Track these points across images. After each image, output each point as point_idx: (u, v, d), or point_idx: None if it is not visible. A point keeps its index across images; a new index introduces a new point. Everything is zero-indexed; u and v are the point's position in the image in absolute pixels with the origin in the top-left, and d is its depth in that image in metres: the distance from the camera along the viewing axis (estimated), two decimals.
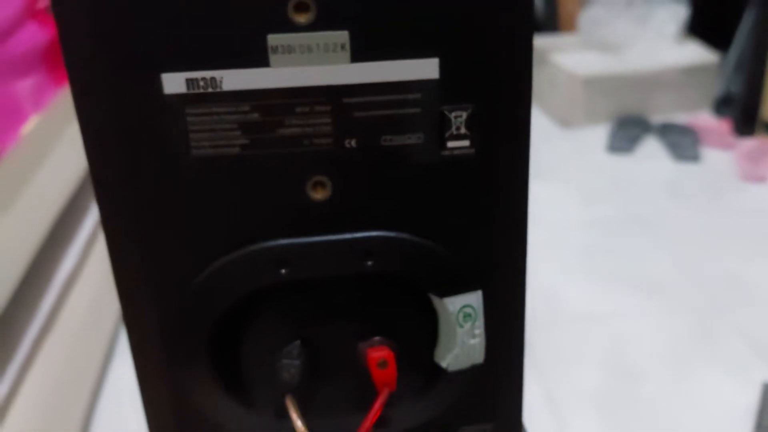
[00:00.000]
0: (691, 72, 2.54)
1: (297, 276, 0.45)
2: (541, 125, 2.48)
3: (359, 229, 0.45)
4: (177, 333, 0.46)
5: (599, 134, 2.47)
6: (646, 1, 2.62)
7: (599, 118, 2.53)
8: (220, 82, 0.40)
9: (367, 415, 0.45)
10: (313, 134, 0.42)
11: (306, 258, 0.45)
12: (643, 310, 1.66)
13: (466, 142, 0.43)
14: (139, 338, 0.46)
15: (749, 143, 2.28)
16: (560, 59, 2.55)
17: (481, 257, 0.47)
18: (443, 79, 0.42)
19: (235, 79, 0.40)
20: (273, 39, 0.40)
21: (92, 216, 1.56)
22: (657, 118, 2.53)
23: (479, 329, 0.48)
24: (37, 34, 1.39)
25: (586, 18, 2.66)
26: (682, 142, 2.36)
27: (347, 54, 0.40)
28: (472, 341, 0.48)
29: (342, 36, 0.40)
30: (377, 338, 0.48)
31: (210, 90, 0.40)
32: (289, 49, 0.40)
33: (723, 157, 2.31)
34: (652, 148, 2.39)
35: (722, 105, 2.53)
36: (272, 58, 0.40)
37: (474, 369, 0.49)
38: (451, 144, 0.43)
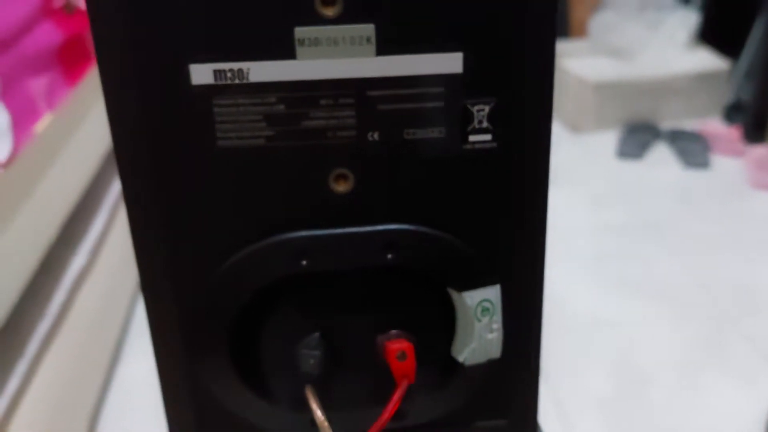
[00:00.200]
0: (702, 79, 2.54)
1: (317, 268, 0.45)
2: None
3: (380, 221, 0.45)
4: (198, 323, 0.46)
5: (609, 140, 2.47)
6: (657, 7, 2.62)
7: (609, 123, 2.53)
8: (247, 73, 0.41)
9: (385, 407, 0.45)
10: (337, 127, 0.42)
11: (326, 250, 0.45)
12: (651, 316, 1.66)
13: (488, 136, 0.44)
14: (161, 328, 0.47)
15: (759, 150, 2.27)
16: (570, 64, 2.55)
17: (501, 252, 0.47)
18: (466, 73, 0.42)
19: (261, 71, 0.41)
20: (300, 32, 0.40)
21: (103, 214, 1.57)
22: (667, 124, 2.53)
23: (497, 324, 0.48)
24: (52, 33, 1.40)
25: (597, 23, 2.67)
26: (692, 149, 2.35)
27: (373, 47, 0.41)
28: (490, 336, 0.48)
29: (368, 29, 0.40)
30: (395, 331, 0.49)
31: (237, 81, 0.41)
32: (315, 42, 0.40)
33: (733, 164, 2.31)
34: (661, 155, 2.39)
35: (732, 112, 2.53)
36: (299, 50, 0.40)
37: (491, 364, 0.49)
38: (473, 138, 0.44)
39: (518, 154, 0.45)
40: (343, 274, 0.47)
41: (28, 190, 1.22)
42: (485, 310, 0.47)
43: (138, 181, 0.43)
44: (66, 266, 1.39)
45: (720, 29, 2.66)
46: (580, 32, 2.83)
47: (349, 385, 0.50)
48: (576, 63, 2.57)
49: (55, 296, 1.31)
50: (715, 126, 2.48)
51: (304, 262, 0.45)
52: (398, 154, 0.44)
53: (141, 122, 0.41)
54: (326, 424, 0.46)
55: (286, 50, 0.40)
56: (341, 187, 0.44)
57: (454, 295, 0.47)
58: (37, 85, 1.33)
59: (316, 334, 0.48)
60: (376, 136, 0.43)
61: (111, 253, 1.52)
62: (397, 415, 0.48)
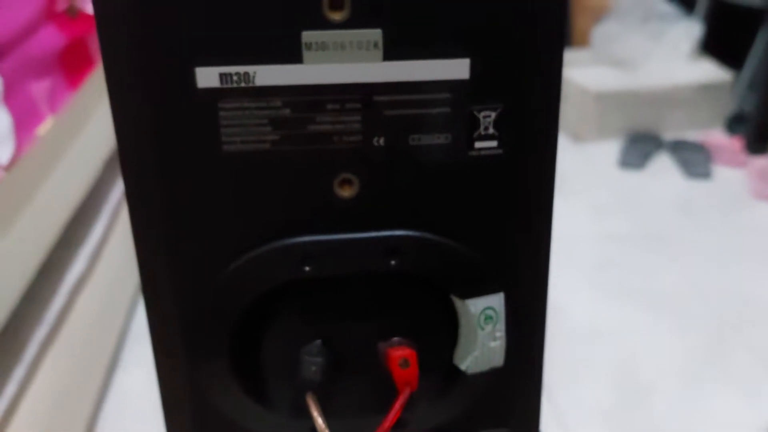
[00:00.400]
0: (704, 89, 2.54)
1: (321, 273, 0.45)
2: None
3: (384, 227, 0.45)
4: (199, 329, 0.46)
5: (611, 149, 2.47)
6: (660, 18, 2.62)
7: (611, 133, 2.52)
8: (253, 77, 0.40)
9: (387, 415, 0.45)
10: (343, 131, 0.42)
11: (330, 255, 0.45)
12: (652, 326, 1.65)
13: (494, 143, 0.43)
14: (161, 332, 0.46)
15: (761, 161, 2.27)
16: (573, 74, 2.55)
17: (505, 259, 0.47)
18: (473, 79, 0.42)
19: (267, 75, 0.40)
20: (307, 36, 0.40)
21: (104, 219, 1.57)
22: (669, 134, 2.53)
23: (500, 332, 0.47)
24: (55, 37, 1.40)
25: (600, 33, 2.67)
26: (694, 159, 2.35)
27: (380, 52, 0.40)
28: (493, 344, 0.48)
29: (375, 34, 0.40)
30: (397, 338, 0.48)
31: (243, 85, 0.40)
32: (322, 46, 0.40)
33: (735, 174, 2.31)
34: (663, 165, 2.39)
35: (735, 123, 2.53)
36: (306, 54, 0.40)
37: (493, 372, 0.49)
38: (479, 144, 0.43)
39: (524, 160, 0.44)
40: (346, 280, 0.46)
41: (29, 193, 1.21)
42: (488, 317, 0.47)
43: (142, 184, 0.42)
44: (66, 271, 1.38)
45: (723, 40, 2.66)
46: (583, 42, 2.83)
47: (351, 393, 0.50)
48: (578, 72, 2.57)
49: (54, 301, 1.31)
50: (717, 137, 2.48)
51: (308, 268, 0.45)
52: (403, 160, 0.43)
53: (145, 125, 0.41)
54: (327, 431, 0.45)
55: (292, 54, 0.40)
56: (346, 192, 0.44)
57: (457, 302, 0.47)
58: (40, 88, 1.33)
59: (318, 341, 0.48)
60: (381, 141, 0.43)
61: (111, 258, 1.51)
62: (399, 423, 0.47)
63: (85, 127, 1.48)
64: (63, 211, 1.35)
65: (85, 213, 1.51)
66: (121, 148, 0.42)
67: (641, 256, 1.91)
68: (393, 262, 0.45)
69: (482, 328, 0.47)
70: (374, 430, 0.45)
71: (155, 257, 0.44)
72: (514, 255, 0.47)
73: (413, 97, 0.42)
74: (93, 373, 1.42)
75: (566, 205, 2.08)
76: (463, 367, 0.48)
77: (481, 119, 0.43)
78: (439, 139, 0.43)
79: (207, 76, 0.40)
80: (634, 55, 2.58)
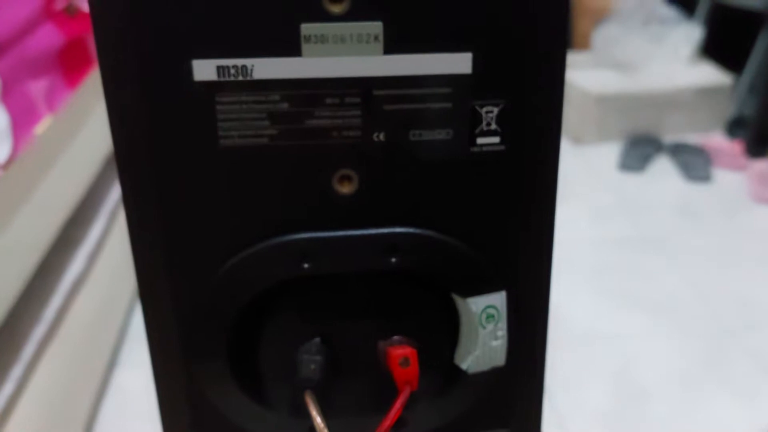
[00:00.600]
0: (705, 93, 2.54)
1: (319, 270, 0.44)
2: None
3: (384, 224, 0.44)
4: (196, 326, 0.45)
5: (611, 152, 2.46)
6: (660, 21, 2.62)
7: (611, 136, 2.52)
8: (251, 70, 0.40)
9: (387, 415, 0.44)
10: (342, 126, 0.41)
11: (329, 252, 0.44)
12: (652, 330, 1.65)
13: (496, 139, 0.43)
14: (157, 331, 0.46)
15: (761, 165, 2.27)
16: (573, 76, 2.55)
17: (507, 257, 0.46)
18: (475, 74, 0.41)
19: (266, 68, 0.40)
20: (306, 28, 0.39)
21: (102, 219, 1.56)
22: (669, 137, 2.53)
23: (502, 331, 0.47)
24: (53, 36, 1.40)
25: (601, 36, 2.67)
26: (694, 163, 2.35)
27: (380, 45, 0.40)
28: (494, 343, 0.47)
29: (376, 27, 0.39)
30: (397, 337, 0.48)
31: (240, 78, 0.40)
32: (322, 39, 0.39)
33: (734, 178, 2.30)
34: (663, 168, 2.38)
35: (735, 126, 2.53)
36: (305, 47, 0.39)
37: (494, 372, 0.48)
38: (480, 140, 0.43)
39: (527, 157, 0.44)
40: (345, 278, 0.46)
41: (27, 192, 1.21)
42: (490, 316, 0.46)
43: (137, 179, 0.42)
44: (63, 271, 1.38)
45: (723, 44, 2.66)
46: (584, 45, 2.83)
47: (350, 392, 0.49)
48: (579, 75, 2.57)
49: (51, 301, 1.30)
50: (717, 140, 2.48)
51: (306, 265, 0.44)
52: (404, 156, 0.43)
53: (141, 119, 0.40)
54: (326, 431, 0.44)
55: (291, 47, 0.40)
56: (345, 189, 0.43)
57: (458, 300, 0.46)
58: (38, 87, 1.32)
59: (317, 340, 0.47)
60: (381, 136, 0.42)
61: (109, 258, 1.51)
62: (399, 423, 0.47)
63: (84, 126, 1.47)
64: (61, 210, 1.35)
65: (83, 213, 1.50)
66: (116, 143, 0.41)
67: (641, 260, 1.91)
68: (393, 260, 0.44)
69: (483, 327, 0.46)
70: (374, 430, 0.45)
71: (151, 254, 0.43)
72: (516, 253, 0.46)
73: (414, 91, 0.41)
74: (91, 372, 1.42)
75: (566, 208, 2.07)
76: (464, 366, 0.47)
77: (483, 115, 0.42)
78: (441, 134, 0.42)
79: (204, 69, 0.39)
80: (635, 58, 2.58)
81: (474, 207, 0.44)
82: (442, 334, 0.48)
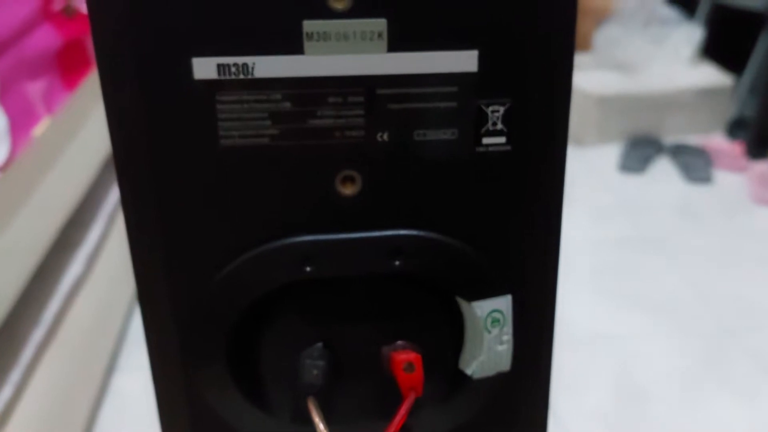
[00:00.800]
0: (705, 94, 2.53)
1: (322, 274, 0.43)
2: None
3: (388, 226, 0.43)
4: (195, 331, 0.44)
5: (612, 153, 2.46)
6: (661, 22, 2.61)
7: (612, 137, 2.51)
8: (252, 68, 0.39)
9: (391, 421, 0.43)
10: (345, 126, 0.41)
11: (332, 255, 0.43)
12: (652, 331, 1.64)
13: (502, 139, 0.42)
14: (157, 335, 0.45)
15: (762, 166, 2.26)
16: (574, 78, 2.54)
17: (513, 260, 0.45)
18: (481, 72, 0.40)
19: (267, 66, 0.39)
20: (309, 25, 0.38)
21: (101, 221, 1.55)
22: (670, 139, 2.52)
23: (507, 335, 0.46)
24: (51, 37, 1.39)
25: (602, 37, 2.66)
26: (695, 164, 2.34)
27: (384, 43, 0.39)
28: (500, 348, 0.46)
29: (379, 24, 0.39)
30: (401, 342, 0.47)
31: (241, 76, 0.39)
32: (324, 37, 0.38)
33: (735, 179, 2.30)
34: (664, 169, 2.37)
35: (735, 127, 2.52)
36: (307, 45, 0.39)
37: (500, 377, 0.47)
38: (486, 140, 0.42)
39: (533, 157, 0.43)
40: (348, 281, 0.45)
41: (25, 195, 1.20)
42: (495, 321, 0.45)
43: (135, 180, 0.41)
44: (62, 274, 1.37)
45: (724, 45, 2.65)
46: (585, 46, 2.82)
47: (353, 397, 0.48)
48: (580, 76, 2.56)
49: (50, 304, 1.29)
50: (717, 141, 2.47)
51: (309, 268, 0.43)
52: (408, 156, 0.42)
53: (140, 118, 0.39)
54: None
55: (293, 45, 0.39)
56: (348, 190, 0.42)
57: (463, 304, 0.45)
58: (36, 88, 1.31)
59: (319, 345, 0.46)
60: (385, 136, 0.41)
61: (108, 261, 1.50)
62: (403, 430, 0.46)
63: (82, 128, 1.46)
64: (60, 213, 1.34)
65: (82, 215, 1.49)
66: (115, 143, 0.40)
67: (641, 260, 1.90)
68: (397, 263, 0.43)
69: (489, 332, 0.45)
70: None
71: (150, 257, 0.43)
72: (522, 256, 0.45)
73: (419, 90, 0.40)
74: (90, 376, 1.41)
75: (566, 209, 2.06)
76: (468, 371, 0.47)
77: (489, 114, 0.41)
78: (446, 134, 0.42)
79: (204, 67, 0.39)
80: (636, 59, 2.57)
81: (479, 208, 0.44)
82: (447, 338, 0.47)
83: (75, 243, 1.45)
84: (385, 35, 0.39)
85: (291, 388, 0.47)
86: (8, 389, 1.11)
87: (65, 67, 1.42)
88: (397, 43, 0.39)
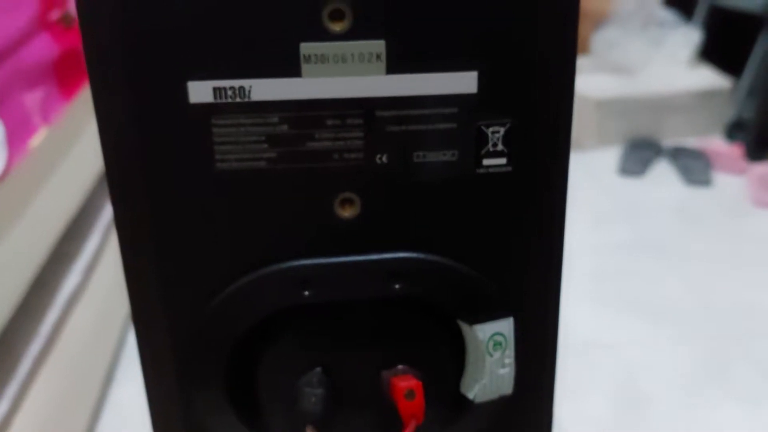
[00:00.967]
0: (704, 96, 2.53)
1: (321, 298, 0.43)
2: None
3: (388, 249, 0.43)
4: (192, 356, 0.43)
5: (611, 156, 2.45)
6: (659, 24, 2.61)
7: (611, 140, 2.51)
8: (249, 91, 0.38)
9: None
10: (344, 148, 0.40)
11: (331, 279, 0.42)
12: (653, 336, 1.63)
13: (502, 160, 0.41)
14: (152, 360, 0.44)
15: (761, 168, 2.25)
16: None
17: (515, 282, 0.44)
18: (481, 93, 0.40)
19: (264, 89, 0.38)
20: (306, 48, 0.38)
21: (98, 231, 1.54)
22: (669, 141, 2.52)
23: (509, 359, 0.45)
24: (48, 46, 1.38)
25: (599, 40, 2.65)
26: (694, 167, 2.33)
27: (383, 65, 0.38)
28: (502, 371, 0.45)
29: (378, 46, 0.38)
30: (401, 367, 0.46)
31: (238, 100, 0.38)
32: (322, 59, 0.38)
33: (735, 182, 2.29)
34: (663, 172, 2.37)
35: (734, 130, 2.51)
36: (304, 67, 0.38)
37: (502, 401, 0.47)
38: (487, 161, 0.41)
39: (534, 178, 0.42)
40: (348, 305, 0.44)
41: (22, 205, 1.19)
42: (497, 344, 0.45)
43: (130, 205, 0.40)
44: (59, 285, 1.36)
45: (722, 47, 2.65)
46: (583, 49, 2.82)
47: (353, 424, 0.48)
48: (578, 79, 2.55)
49: (48, 315, 1.29)
50: (716, 144, 2.47)
51: (307, 293, 0.42)
52: (408, 178, 0.41)
53: (134, 143, 0.39)
54: None
55: (290, 67, 0.38)
56: (347, 213, 0.42)
57: (464, 328, 0.45)
58: (33, 98, 1.31)
59: (318, 370, 0.45)
60: (384, 158, 0.41)
61: (105, 271, 1.49)
62: None
63: (79, 138, 1.46)
64: (57, 224, 1.33)
65: (79, 226, 1.49)
66: (109, 167, 0.39)
67: (641, 265, 1.89)
68: (397, 286, 0.43)
69: (491, 355, 0.45)
70: None
71: (146, 282, 0.42)
72: (525, 278, 0.44)
73: (418, 112, 0.40)
74: (88, 388, 1.40)
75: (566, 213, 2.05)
76: (470, 395, 0.46)
77: (490, 135, 0.41)
78: (446, 156, 0.41)
79: (200, 91, 0.38)
80: (634, 62, 2.57)
81: (480, 230, 0.43)
82: (448, 361, 0.46)
83: (72, 254, 1.44)
84: (383, 57, 0.38)
85: (290, 414, 0.46)
86: (5, 403, 1.10)
87: (62, 77, 1.41)
88: (396, 64, 0.38)
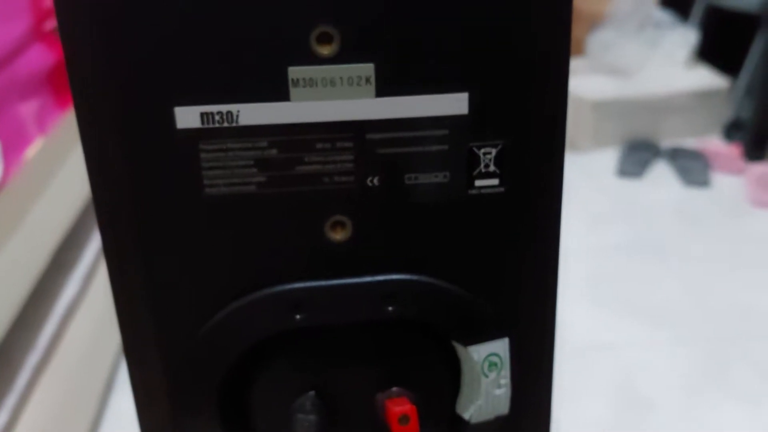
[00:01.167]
0: (701, 97, 2.52)
1: (313, 322, 0.42)
2: None
3: (380, 272, 0.42)
4: (184, 382, 0.43)
5: (608, 158, 2.45)
6: (655, 25, 2.60)
7: (608, 141, 2.51)
8: (237, 116, 0.38)
9: None
10: (334, 172, 0.40)
11: (323, 302, 0.42)
12: (652, 338, 1.63)
13: (495, 181, 0.41)
14: (144, 387, 0.44)
15: (759, 168, 2.25)
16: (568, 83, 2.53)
17: (509, 303, 0.44)
18: (472, 115, 0.39)
19: (252, 114, 0.38)
20: (294, 72, 0.37)
21: (95, 242, 1.54)
22: (667, 142, 2.51)
23: (505, 379, 0.45)
24: (43, 56, 1.38)
25: (595, 41, 2.65)
26: (692, 167, 2.33)
27: (372, 88, 0.38)
28: (498, 392, 0.45)
29: (367, 69, 0.38)
30: (396, 389, 0.46)
31: (226, 125, 0.38)
32: (310, 83, 0.37)
33: (733, 182, 2.29)
34: (661, 173, 2.37)
35: (732, 130, 2.51)
36: (293, 91, 0.38)
37: (498, 421, 0.46)
38: (479, 183, 0.41)
39: (528, 199, 0.42)
40: (341, 328, 0.44)
41: (19, 216, 1.19)
42: (493, 364, 0.44)
43: (118, 231, 0.40)
44: (57, 295, 1.36)
45: (719, 47, 2.65)
46: (578, 50, 2.81)
47: None
48: (574, 81, 2.54)
49: (46, 325, 1.28)
50: (715, 144, 2.46)
51: (299, 316, 0.42)
52: (399, 201, 0.41)
53: (121, 169, 0.38)
54: None
55: (279, 91, 0.38)
56: (338, 236, 0.41)
57: (459, 349, 0.44)
58: (28, 109, 1.30)
59: (311, 394, 0.45)
60: (375, 181, 0.40)
61: (103, 281, 1.49)
62: None
63: (76, 148, 1.45)
64: (54, 234, 1.33)
65: (76, 236, 1.48)
66: (96, 193, 0.39)
67: (639, 266, 1.89)
68: (390, 309, 0.42)
69: (486, 376, 0.44)
70: None
71: (135, 308, 0.42)
72: (519, 298, 0.44)
73: (409, 134, 0.39)
74: (88, 397, 1.40)
75: (564, 215, 2.05)
76: (466, 416, 0.46)
77: (482, 156, 0.40)
78: (437, 177, 0.41)
79: (187, 116, 0.38)
80: (630, 63, 2.56)
81: (473, 252, 0.43)
82: (443, 382, 0.46)
83: (70, 264, 1.44)
84: (373, 80, 0.38)
85: None
86: (5, 413, 1.10)
87: (58, 87, 1.41)
88: (386, 87, 0.38)
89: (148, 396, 0.44)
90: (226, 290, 0.41)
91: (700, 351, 1.58)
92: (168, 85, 0.37)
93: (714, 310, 1.70)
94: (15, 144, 1.21)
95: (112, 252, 0.40)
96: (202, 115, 0.38)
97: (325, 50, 0.37)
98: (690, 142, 2.50)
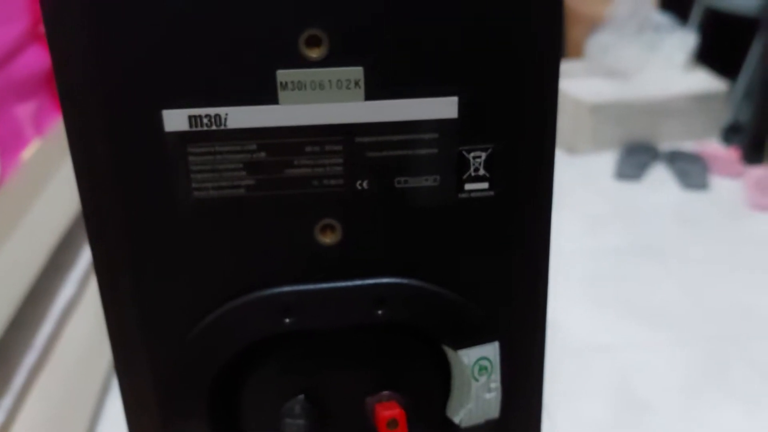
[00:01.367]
0: (700, 100, 2.52)
1: (302, 326, 0.42)
2: None
3: (370, 275, 0.42)
4: (173, 387, 0.43)
5: (607, 161, 2.45)
6: (654, 28, 2.60)
7: (607, 144, 2.51)
8: (225, 119, 0.38)
9: None
10: (323, 175, 0.40)
11: (312, 306, 0.42)
12: (650, 340, 1.63)
13: (485, 184, 0.41)
14: (133, 393, 0.44)
15: (758, 172, 2.25)
16: (567, 85, 2.53)
17: (499, 306, 0.44)
18: (462, 118, 0.39)
19: (241, 117, 0.38)
20: (282, 75, 0.37)
21: None
22: (665, 145, 2.51)
23: (495, 383, 0.45)
24: (40, 58, 1.38)
25: (594, 44, 2.65)
26: (691, 170, 2.33)
27: (361, 91, 0.38)
28: (488, 395, 0.45)
29: (356, 72, 0.38)
30: (385, 392, 0.46)
31: (214, 128, 0.38)
32: (299, 86, 0.37)
33: (731, 185, 2.29)
34: (660, 176, 2.37)
35: (731, 133, 2.51)
36: (281, 94, 0.38)
37: (489, 425, 0.46)
38: (469, 186, 0.41)
39: (517, 202, 0.42)
40: (331, 332, 0.44)
41: (16, 217, 1.19)
42: (483, 368, 0.44)
43: (106, 234, 0.40)
44: (54, 296, 1.36)
45: (717, 50, 2.64)
46: (577, 53, 2.81)
47: None
48: (573, 84, 2.55)
49: (43, 326, 1.28)
50: (713, 147, 2.46)
51: (288, 320, 0.42)
52: (389, 204, 0.41)
53: (108, 172, 0.38)
54: None
55: (267, 94, 0.38)
56: (328, 239, 0.41)
57: (449, 353, 0.44)
58: (25, 110, 1.30)
59: (300, 397, 0.45)
60: (365, 184, 0.40)
61: None
62: None
63: None
64: (51, 235, 1.33)
65: (73, 237, 1.48)
66: (83, 197, 0.39)
67: (638, 269, 1.89)
68: (380, 312, 0.42)
69: (476, 380, 0.44)
70: None
71: (124, 313, 0.41)
72: (509, 301, 0.44)
73: (398, 137, 0.39)
74: (85, 398, 1.40)
75: (561, 218, 2.05)
76: (456, 420, 0.45)
77: (471, 160, 0.40)
78: (427, 181, 0.41)
79: (175, 119, 0.37)
80: (629, 66, 2.56)
81: (463, 255, 0.42)
82: (433, 386, 0.46)
83: (67, 265, 1.44)
84: (362, 83, 0.38)
85: None
86: (1, 414, 1.10)
87: (55, 89, 1.41)
88: (375, 91, 0.38)
89: (137, 402, 0.44)
90: (215, 294, 0.41)
91: (699, 352, 1.58)
92: (156, 88, 0.37)
93: (713, 311, 1.70)
94: (12, 145, 1.21)
95: (100, 257, 0.40)
96: (190, 118, 0.38)
97: (313, 53, 0.37)
98: (688, 145, 2.50)
